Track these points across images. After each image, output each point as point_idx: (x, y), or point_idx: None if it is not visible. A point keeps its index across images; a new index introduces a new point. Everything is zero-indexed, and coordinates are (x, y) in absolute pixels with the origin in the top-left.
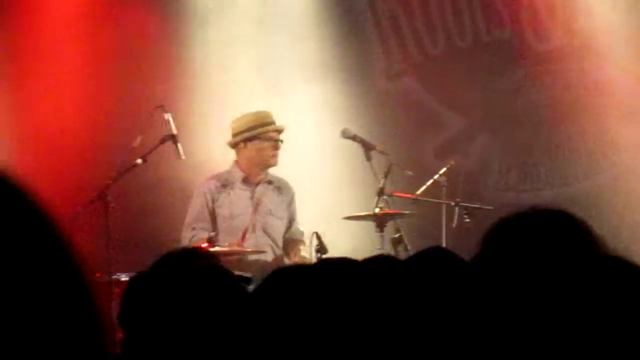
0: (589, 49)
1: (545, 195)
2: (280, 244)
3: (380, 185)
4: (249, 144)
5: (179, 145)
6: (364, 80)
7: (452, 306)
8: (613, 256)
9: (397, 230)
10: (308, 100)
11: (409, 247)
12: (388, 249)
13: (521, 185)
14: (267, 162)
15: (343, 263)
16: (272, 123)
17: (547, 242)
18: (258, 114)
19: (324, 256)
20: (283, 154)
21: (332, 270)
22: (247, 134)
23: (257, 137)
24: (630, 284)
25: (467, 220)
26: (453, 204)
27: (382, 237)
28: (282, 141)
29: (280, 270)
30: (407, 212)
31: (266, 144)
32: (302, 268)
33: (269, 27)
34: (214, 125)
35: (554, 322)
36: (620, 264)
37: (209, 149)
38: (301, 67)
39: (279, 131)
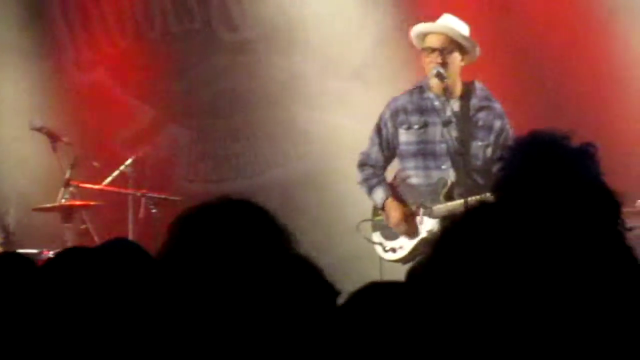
0: (276, 41)
1: (234, 186)
2: None
3: (67, 176)
4: None
5: None
6: (54, 71)
7: (133, 297)
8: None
9: (84, 222)
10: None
11: (95, 238)
12: (75, 240)
13: (210, 176)
14: None
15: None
16: None
17: (233, 232)
18: None
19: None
20: None
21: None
22: None
23: None
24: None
25: (154, 210)
26: (139, 194)
27: (69, 228)
28: None
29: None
30: (94, 203)
31: None
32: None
33: None
34: None
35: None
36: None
37: None
38: None
39: None
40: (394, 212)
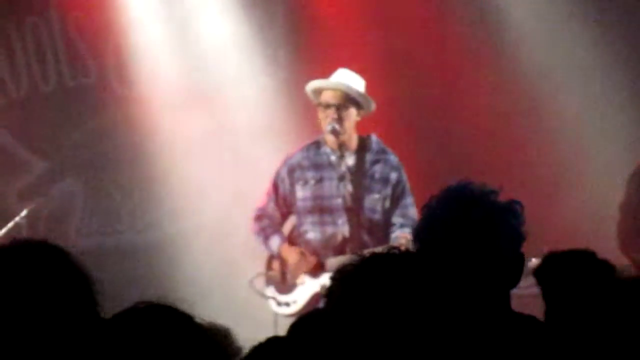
0: (171, 98)
1: (127, 240)
2: None
3: None
4: None
5: None
6: None
7: None
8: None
9: None
10: None
11: None
12: None
13: (103, 229)
14: None
15: None
16: None
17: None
18: None
19: None
20: None
21: None
22: None
23: None
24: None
25: None
26: None
27: None
28: None
29: None
30: None
31: None
32: None
33: None
34: None
35: None
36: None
37: None
38: None
39: None
40: (292, 254)
